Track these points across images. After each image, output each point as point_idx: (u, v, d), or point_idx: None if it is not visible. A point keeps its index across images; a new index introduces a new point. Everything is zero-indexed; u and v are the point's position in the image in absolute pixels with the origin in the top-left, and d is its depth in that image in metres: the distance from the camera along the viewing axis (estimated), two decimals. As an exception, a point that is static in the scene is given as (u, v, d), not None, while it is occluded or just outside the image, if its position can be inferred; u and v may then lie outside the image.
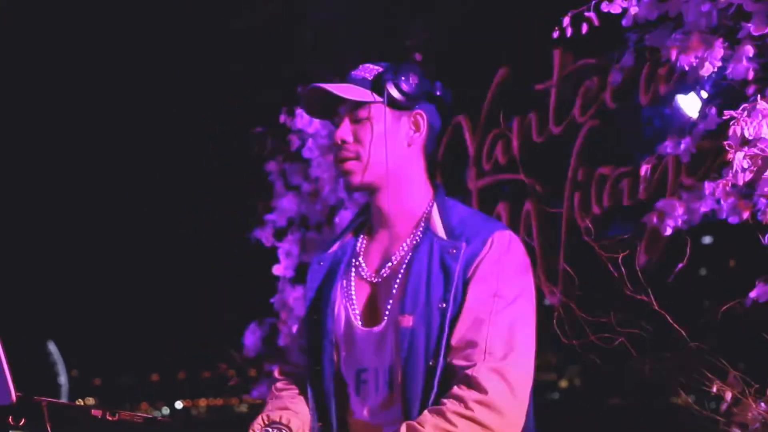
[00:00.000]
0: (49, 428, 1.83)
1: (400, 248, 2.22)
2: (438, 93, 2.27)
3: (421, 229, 2.21)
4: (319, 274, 2.34)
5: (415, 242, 2.20)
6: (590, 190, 3.65)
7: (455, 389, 2.05)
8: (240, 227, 5.07)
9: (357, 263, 2.28)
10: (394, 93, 2.19)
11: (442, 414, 2.02)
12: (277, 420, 2.23)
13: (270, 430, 2.20)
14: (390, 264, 2.22)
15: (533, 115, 3.91)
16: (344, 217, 4.65)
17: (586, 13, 2.91)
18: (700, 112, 3.11)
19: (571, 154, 3.77)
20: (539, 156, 3.90)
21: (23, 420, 1.84)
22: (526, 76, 4.00)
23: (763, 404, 2.61)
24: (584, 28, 2.94)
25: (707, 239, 3.06)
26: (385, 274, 2.21)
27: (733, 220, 2.72)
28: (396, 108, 2.22)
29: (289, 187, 5.00)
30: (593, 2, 2.92)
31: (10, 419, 1.83)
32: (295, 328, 4.81)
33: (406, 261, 2.19)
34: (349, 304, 2.26)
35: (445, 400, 2.05)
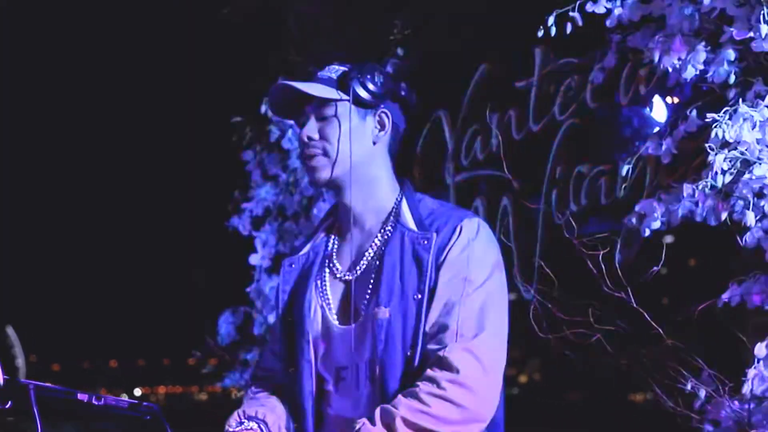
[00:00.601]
0: (36, 411, 1.83)
1: (372, 244, 2.26)
2: (403, 93, 2.31)
3: (391, 223, 2.26)
4: (291, 277, 2.36)
5: (386, 237, 2.25)
6: (568, 187, 3.69)
7: (428, 371, 2.09)
8: (217, 215, 5.07)
9: (330, 263, 2.31)
10: (360, 91, 2.24)
11: (415, 395, 2.06)
12: (253, 414, 2.25)
13: (246, 422, 2.22)
14: (363, 260, 2.25)
15: (513, 112, 3.94)
16: (322, 208, 4.66)
17: (571, 13, 2.94)
18: (669, 117, 3.15)
19: (549, 152, 3.80)
20: (518, 153, 3.93)
21: (9, 403, 1.84)
22: (507, 73, 4.03)
23: (736, 402, 2.65)
24: (568, 27, 2.97)
25: (675, 239, 3.09)
26: (359, 271, 2.25)
27: (711, 222, 2.76)
28: (361, 106, 2.26)
29: (267, 177, 5.00)
30: (578, 2, 2.95)
31: (-4, 402, 1.83)
32: (270, 318, 4.84)
33: (379, 256, 2.23)
34: (325, 304, 2.28)
35: (418, 383, 2.09)
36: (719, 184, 2.65)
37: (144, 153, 8.00)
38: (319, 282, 2.31)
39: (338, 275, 2.29)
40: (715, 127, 2.59)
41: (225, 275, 5.49)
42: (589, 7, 2.99)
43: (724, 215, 2.68)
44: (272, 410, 2.29)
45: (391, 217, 2.27)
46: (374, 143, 2.29)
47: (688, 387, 2.78)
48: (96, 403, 1.95)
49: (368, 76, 2.25)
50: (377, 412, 2.07)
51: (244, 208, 4.98)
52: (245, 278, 5.01)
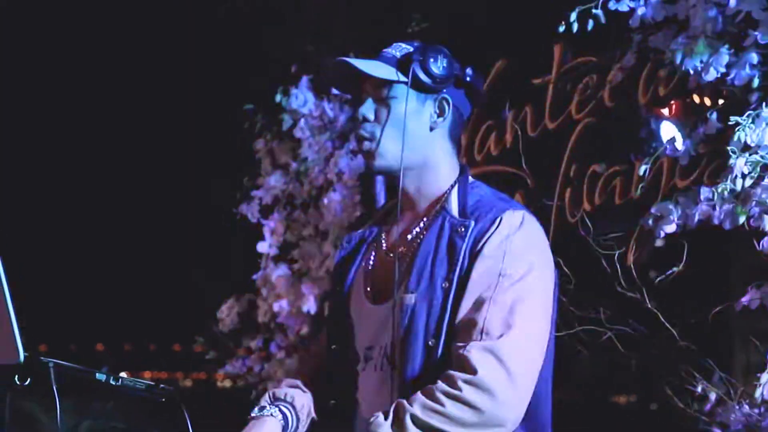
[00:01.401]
0: (55, 390, 1.83)
1: (416, 227, 2.19)
2: (468, 79, 2.20)
3: (437, 208, 2.18)
4: (344, 253, 2.33)
5: (430, 222, 2.17)
6: (582, 186, 3.68)
7: (448, 369, 2.00)
8: (226, 202, 5.07)
9: (378, 242, 2.27)
10: (420, 75, 2.14)
11: (430, 393, 1.98)
12: (282, 397, 2.22)
13: (269, 407, 2.19)
14: (404, 243, 2.19)
15: (529, 109, 3.94)
16: (332, 199, 4.67)
17: (594, 10, 2.94)
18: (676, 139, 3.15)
19: (564, 150, 3.79)
20: (532, 150, 3.93)
21: (29, 380, 1.84)
22: (524, 69, 4.02)
23: (747, 406, 2.65)
24: (590, 24, 2.97)
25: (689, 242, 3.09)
26: (398, 253, 2.18)
27: (726, 226, 2.75)
28: (421, 90, 2.16)
29: (277, 166, 5.00)
30: (601, 0, 2.95)
31: (16, 378, 1.83)
32: (276, 306, 4.85)
33: (419, 240, 2.17)
34: (363, 281, 2.24)
35: (439, 380, 2.00)
36: (738, 187, 2.64)
37: (153, 138, 7.98)
38: (364, 261, 2.26)
39: (381, 255, 2.24)
40: (738, 130, 2.58)
41: (232, 262, 5.48)
42: (612, 5, 2.99)
43: (741, 219, 2.67)
44: (303, 393, 2.26)
45: (440, 203, 2.18)
46: (431, 129, 2.19)
47: (699, 389, 2.78)
48: (113, 383, 1.94)
49: (430, 59, 2.14)
50: (393, 405, 2.00)
51: (253, 196, 4.98)
52: (252, 265, 5.01)
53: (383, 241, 2.26)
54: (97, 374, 1.93)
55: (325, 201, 4.70)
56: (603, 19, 2.92)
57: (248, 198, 5.00)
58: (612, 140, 3.70)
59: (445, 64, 2.15)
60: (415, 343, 2.08)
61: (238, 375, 5.23)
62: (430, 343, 2.07)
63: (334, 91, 4.56)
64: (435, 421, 1.96)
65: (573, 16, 2.92)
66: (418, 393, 2.00)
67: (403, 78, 2.15)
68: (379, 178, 4.81)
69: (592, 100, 3.67)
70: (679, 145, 3.09)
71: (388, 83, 2.16)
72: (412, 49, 2.17)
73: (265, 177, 5.00)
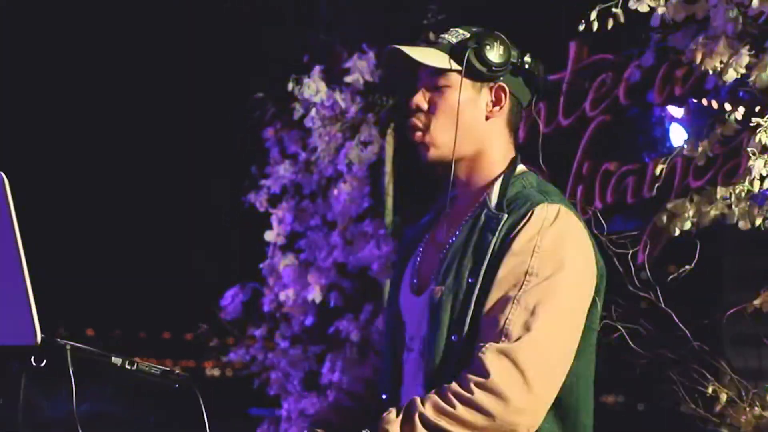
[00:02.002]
0: (71, 372, 1.82)
1: (463, 220, 2.12)
2: (526, 66, 2.12)
3: (480, 200, 2.10)
4: (405, 243, 2.28)
5: (471, 214, 2.10)
6: (594, 184, 3.67)
7: (464, 370, 1.93)
8: (234, 190, 5.07)
9: (432, 233, 2.21)
10: (475, 62, 2.06)
11: (443, 393, 1.92)
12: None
13: None
14: (452, 235, 2.12)
15: (543, 105, 3.93)
16: (341, 189, 4.66)
17: (614, 9, 2.92)
18: (706, 120, 3.14)
19: (577, 147, 3.79)
20: (545, 146, 3.91)
21: (45, 362, 1.83)
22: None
23: (757, 408, 2.65)
24: (609, 23, 2.96)
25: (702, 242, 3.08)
26: (446, 245, 2.11)
27: (743, 225, 2.75)
28: (476, 79, 2.08)
29: (286, 155, 4.99)
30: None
31: (32, 360, 1.82)
32: (282, 296, 4.84)
33: (458, 232, 2.10)
34: (411, 273, 2.19)
35: (453, 381, 1.94)
36: (756, 189, 2.64)
37: (162, 124, 7.97)
38: (419, 250, 2.20)
39: (428, 247, 2.18)
40: (759, 132, 2.57)
41: (238, 251, 5.48)
42: (632, 5, 2.98)
43: (758, 221, 2.67)
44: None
45: (484, 194, 2.09)
46: (487, 118, 2.11)
47: (710, 390, 2.78)
48: (129, 367, 1.93)
49: (486, 46, 2.05)
50: (407, 403, 1.96)
51: (261, 185, 4.97)
52: (259, 254, 5.01)
53: (435, 233, 2.20)
54: (112, 358, 1.92)
55: (334, 192, 4.69)
56: (623, 19, 2.90)
57: (256, 187, 4.99)
58: (626, 139, 3.70)
59: (501, 51, 2.07)
60: (439, 338, 2.03)
61: (240, 363, 5.23)
62: (453, 338, 2.01)
63: (346, 80, 4.55)
64: (444, 423, 1.90)
65: (593, 15, 2.89)
66: (432, 392, 1.95)
67: (456, 66, 2.07)
68: (386, 170, 4.81)
69: (607, 98, 3.66)
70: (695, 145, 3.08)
71: (443, 71, 2.09)
72: (468, 35, 2.10)
73: (273, 166, 4.99)
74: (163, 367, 1.99)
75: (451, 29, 2.14)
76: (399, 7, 4.53)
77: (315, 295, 4.71)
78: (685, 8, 2.97)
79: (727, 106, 2.84)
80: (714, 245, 2.97)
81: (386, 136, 4.73)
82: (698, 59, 2.84)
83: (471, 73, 2.07)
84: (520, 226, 1.99)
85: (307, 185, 4.91)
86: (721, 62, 2.80)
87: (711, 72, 2.83)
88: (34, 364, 1.83)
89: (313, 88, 4.58)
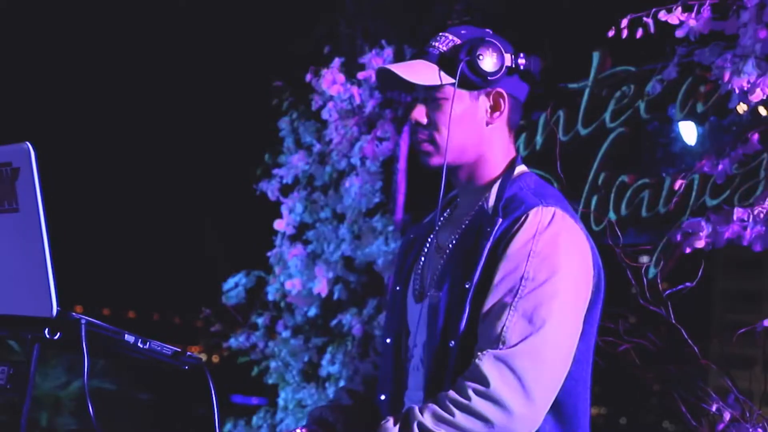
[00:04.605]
0: (84, 347, 1.81)
1: (463, 224, 2.09)
2: (521, 67, 2.05)
3: (479, 204, 2.07)
4: (405, 246, 2.25)
5: (470, 218, 2.07)
6: (609, 195, 3.67)
7: (460, 377, 1.90)
8: (247, 178, 5.06)
9: (431, 238, 2.18)
10: (470, 75, 2.01)
11: (441, 401, 1.88)
12: (317, 415, 2.18)
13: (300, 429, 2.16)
14: (452, 240, 2.09)
15: (563, 113, 3.92)
16: (353, 183, 4.65)
17: (645, 19, 2.92)
18: (728, 138, 3.13)
19: (595, 158, 3.78)
20: (562, 154, 3.91)
21: (59, 335, 1.82)
22: (561, 72, 4.00)
23: (760, 430, 2.64)
24: (639, 33, 2.95)
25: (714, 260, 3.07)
26: (446, 250, 2.09)
27: (757, 248, 2.74)
28: (473, 88, 2.03)
29: (300, 146, 4.99)
30: (652, 10, 2.92)
31: (47, 332, 1.82)
32: (288, 285, 4.84)
33: (457, 238, 2.07)
34: (414, 278, 2.16)
35: (451, 388, 1.90)
36: (774, 211, 2.63)
37: (177, 110, 7.97)
38: (421, 255, 2.17)
39: (433, 250, 2.14)
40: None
41: (246, 238, 5.47)
42: (663, 16, 2.97)
43: (774, 243, 2.66)
44: (343, 405, 2.22)
45: (482, 198, 2.06)
46: (488, 124, 2.06)
47: (713, 408, 2.77)
48: (141, 346, 1.93)
49: (478, 57, 1.99)
50: (404, 411, 1.92)
51: (274, 174, 4.97)
52: (267, 243, 5.01)
53: (437, 237, 2.16)
54: (125, 336, 1.91)
55: (346, 185, 4.68)
56: (652, 29, 2.89)
57: (269, 175, 4.99)
58: (644, 152, 3.69)
59: (494, 60, 2.01)
60: (437, 344, 2.01)
61: (240, 350, 5.22)
62: (450, 344, 1.98)
63: (360, 76, 4.55)
64: (443, 431, 1.87)
65: (624, 23, 2.89)
66: (431, 400, 1.92)
67: (449, 79, 2.02)
68: (400, 167, 4.80)
69: (628, 110, 3.66)
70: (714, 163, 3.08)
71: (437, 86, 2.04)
72: (458, 42, 2.04)
73: (287, 156, 4.98)
74: (175, 348, 1.98)
75: (440, 35, 2.08)
76: (424, 7, 4.53)
77: (320, 287, 4.70)
78: (714, 24, 2.96)
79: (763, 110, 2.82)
80: (723, 266, 2.95)
81: (402, 133, 4.72)
82: (726, 77, 2.83)
83: (466, 85, 2.03)
84: (514, 230, 1.95)
85: (320, 177, 4.90)
86: (748, 82, 2.80)
87: (737, 91, 2.82)
88: (48, 336, 1.82)
89: (330, 79, 4.57)
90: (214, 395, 1.92)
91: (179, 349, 1.99)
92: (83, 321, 1.82)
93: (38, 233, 1.78)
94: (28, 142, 1.78)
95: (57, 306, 1.79)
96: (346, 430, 2.17)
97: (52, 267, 1.79)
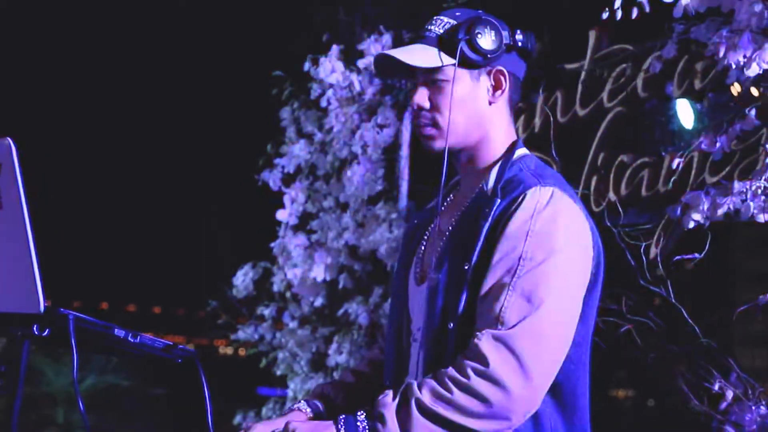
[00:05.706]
0: (73, 342, 1.81)
1: (463, 206, 2.09)
2: (520, 44, 2.04)
3: (479, 185, 2.06)
4: (410, 230, 2.25)
5: (471, 200, 2.07)
6: (609, 175, 3.65)
7: (459, 356, 1.91)
8: (248, 168, 5.05)
9: (434, 222, 2.17)
10: (470, 54, 2.01)
11: (440, 378, 1.89)
12: (318, 392, 2.20)
13: (302, 403, 2.16)
14: (452, 222, 2.09)
15: (560, 94, 3.90)
16: (355, 171, 4.64)
17: (639, -1, 2.89)
18: (725, 115, 3.10)
19: (593, 138, 3.76)
20: (560, 135, 3.89)
21: (48, 331, 1.82)
22: (557, 53, 3.98)
23: (763, 407, 2.62)
24: (634, 12, 2.92)
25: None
26: (446, 233, 2.09)
27: (759, 219, 2.70)
28: (473, 68, 2.03)
29: (302, 135, 4.98)
30: (646, -12, 2.90)
31: (35, 328, 1.81)
32: (291, 276, 4.83)
33: (458, 219, 2.07)
34: (415, 261, 2.16)
35: (450, 366, 1.91)
36: (772, 185, 2.61)
37: (177, 101, 7.98)
38: (423, 239, 2.17)
39: (435, 233, 2.14)
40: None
41: (250, 229, 5.47)
42: (658, -6, 2.95)
43: (773, 216, 2.64)
44: (346, 383, 2.23)
45: (483, 180, 2.06)
46: (490, 104, 2.06)
47: (716, 387, 2.75)
48: (132, 340, 1.92)
49: (477, 35, 1.99)
50: (403, 386, 1.92)
51: (276, 164, 4.96)
52: (270, 233, 5.00)
53: (439, 220, 2.16)
54: (115, 330, 1.91)
55: (348, 173, 4.66)
56: (647, 8, 2.86)
57: (271, 165, 4.98)
58: (642, 131, 3.67)
59: (493, 37, 2.01)
60: (436, 326, 2.01)
61: (248, 342, 5.23)
62: (450, 326, 1.98)
63: (360, 63, 4.53)
64: (440, 408, 1.87)
65: (618, 3, 2.86)
66: (429, 376, 1.93)
67: (449, 59, 2.03)
68: (404, 154, 4.78)
69: (625, 90, 3.63)
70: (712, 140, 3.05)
71: (438, 67, 2.04)
72: (455, 23, 2.04)
73: (289, 145, 4.97)
74: (167, 342, 1.98)
75: (435, 18, 2.08)
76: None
77: (319, 273, 4.68)
78: (710, 1, 2.94)
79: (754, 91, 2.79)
80: (726, 243, 2.93)
81: (403, 120, 4.70)
82: (721, 53, 2.80)
83: (467, 64, 2.03)
84: (512, 210, 1.95)
85: (322, 166, 4.89)
86: (744, 56, 2.77)
87: (734, 66, 2.80)
88: (36, 332, 1.82)
89: (329, 67, 4.56)
90: (206, 387, 1.92)
91: (170, 343, 1.99)
92: (71, 316, 1.82)
93: (23, 230, 1.77)
94: (9, 138, 1.77)
95: (44, 302, 1.79)
96: (346, 404, 2.18)
97: (38, 263, 1.79)
